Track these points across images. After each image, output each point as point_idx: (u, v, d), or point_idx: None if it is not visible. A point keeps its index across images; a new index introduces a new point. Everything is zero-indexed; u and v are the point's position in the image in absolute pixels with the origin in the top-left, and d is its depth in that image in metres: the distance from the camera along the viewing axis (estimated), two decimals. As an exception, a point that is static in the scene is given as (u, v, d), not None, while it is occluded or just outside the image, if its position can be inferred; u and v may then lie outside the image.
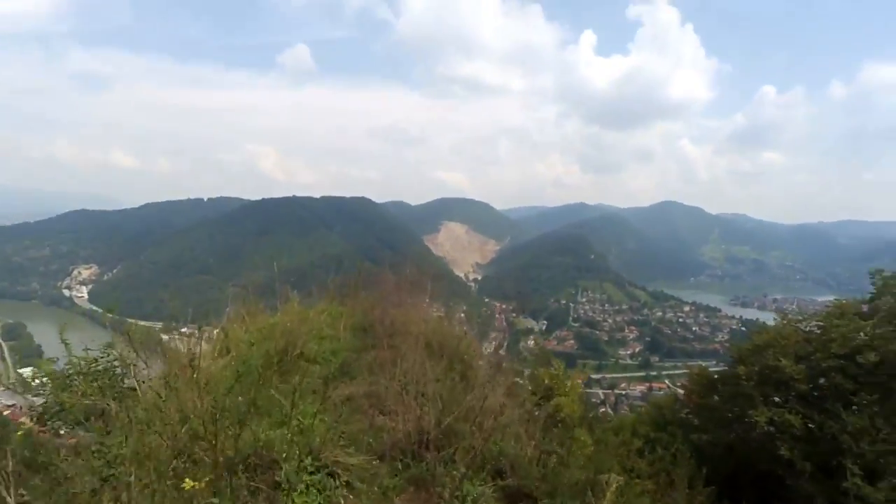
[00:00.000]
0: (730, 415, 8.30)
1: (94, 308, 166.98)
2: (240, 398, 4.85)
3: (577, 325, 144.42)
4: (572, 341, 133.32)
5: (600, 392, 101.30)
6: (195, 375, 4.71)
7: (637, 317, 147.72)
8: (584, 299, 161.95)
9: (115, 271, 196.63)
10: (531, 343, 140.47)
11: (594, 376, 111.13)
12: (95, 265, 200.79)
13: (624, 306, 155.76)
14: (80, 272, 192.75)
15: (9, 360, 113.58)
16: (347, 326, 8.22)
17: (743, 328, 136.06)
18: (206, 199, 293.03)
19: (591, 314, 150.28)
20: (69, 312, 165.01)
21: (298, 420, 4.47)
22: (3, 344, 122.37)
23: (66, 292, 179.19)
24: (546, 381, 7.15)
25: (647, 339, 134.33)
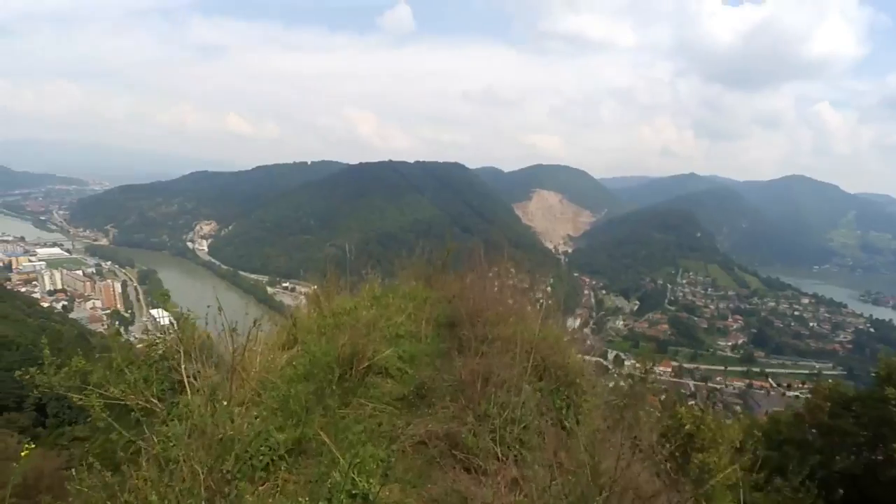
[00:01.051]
0: (863, 439, 7.27)
1: (212, 260, 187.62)
2: (282, 436, 3.77)
3: (672, 308, 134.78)
4: (666, 325, 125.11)
5: (691, 383, 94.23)
6: (223, 405, 3.68)
7: (744, 305, 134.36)
8: (684, 281, 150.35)
9: (230, 228, 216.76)
10: (620, 324, 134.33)
11: (686, 365, 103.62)
12: (214, 222, 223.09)
13: (730, 292, 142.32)
14: (201, 227, 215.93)
15: (143, 301, 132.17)
16: (431, 319, 7.09)
17: (872, 329, 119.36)
18: (309, 163, 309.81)
19: (690, 298, 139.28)
20: (191, 263, 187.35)
21: (353, 479, 3.28)
22: (139, 287, 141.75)
23: (190, 245, 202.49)
24: (686, 425, 5.38)
25: (753, 330, 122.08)
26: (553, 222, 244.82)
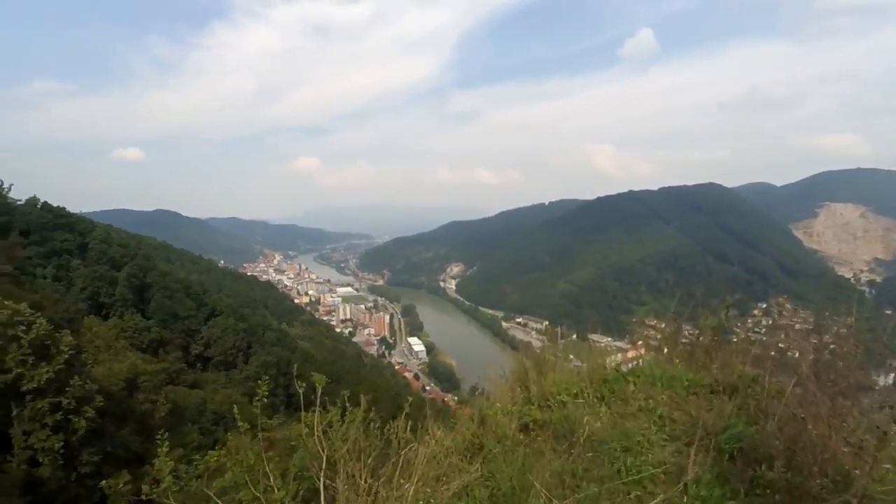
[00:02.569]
0: None
1: (458, 297, 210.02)
2: None
3: None
4: None
5: None
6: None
7: None
8: None
9: (474, 268, 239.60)
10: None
11: None
12: (462, 263, 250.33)
13: None
14: (451, 269, 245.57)
15: (403, 330, 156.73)
16: (705, 439, 3.61)
17: None
18: (546, 203, 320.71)
19: None
20: (441, 299, 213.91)
21: None
22: (401, 319, 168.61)
23: (441, 284, 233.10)
24: None
25: None
26: (852, 243, 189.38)
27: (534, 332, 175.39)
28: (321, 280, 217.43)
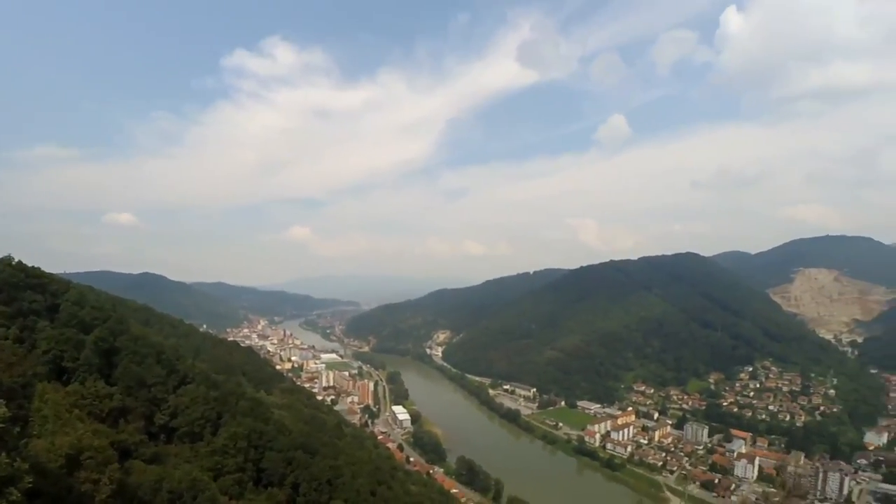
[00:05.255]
0: None
1: (444, 364, 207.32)
2: None
3: None
4: None
5: None
6: None
7: None
8: None
9: (460, 335, 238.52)
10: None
11: None
12: (449, 330, 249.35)
13: None
14: (437, 335, 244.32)
15: (387, 398, 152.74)
16: None
17: None
18: (531, 273, 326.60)
19: None
20: (427, 366, 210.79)
21: None
22: (386, 386, 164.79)
23: (428, 351, 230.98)
24: None
25: None
26: (829, 306, 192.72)
27: (521, 400, 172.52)
28: (305, 346, 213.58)
